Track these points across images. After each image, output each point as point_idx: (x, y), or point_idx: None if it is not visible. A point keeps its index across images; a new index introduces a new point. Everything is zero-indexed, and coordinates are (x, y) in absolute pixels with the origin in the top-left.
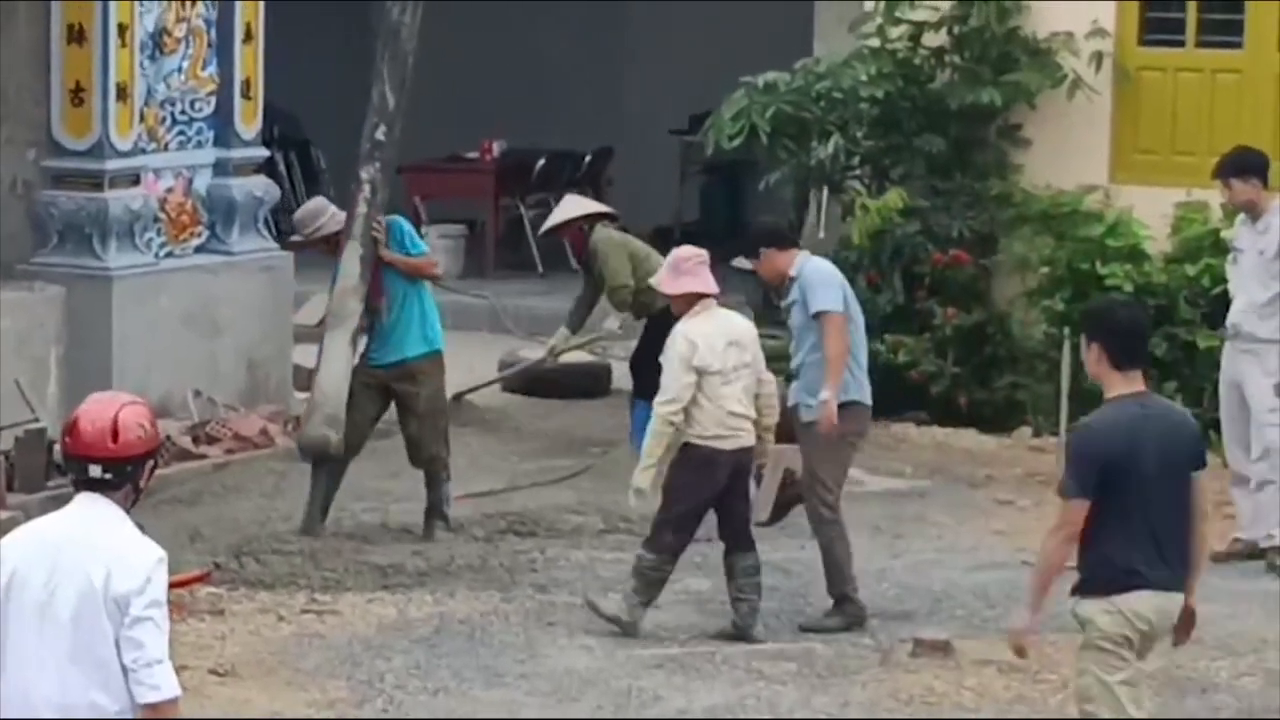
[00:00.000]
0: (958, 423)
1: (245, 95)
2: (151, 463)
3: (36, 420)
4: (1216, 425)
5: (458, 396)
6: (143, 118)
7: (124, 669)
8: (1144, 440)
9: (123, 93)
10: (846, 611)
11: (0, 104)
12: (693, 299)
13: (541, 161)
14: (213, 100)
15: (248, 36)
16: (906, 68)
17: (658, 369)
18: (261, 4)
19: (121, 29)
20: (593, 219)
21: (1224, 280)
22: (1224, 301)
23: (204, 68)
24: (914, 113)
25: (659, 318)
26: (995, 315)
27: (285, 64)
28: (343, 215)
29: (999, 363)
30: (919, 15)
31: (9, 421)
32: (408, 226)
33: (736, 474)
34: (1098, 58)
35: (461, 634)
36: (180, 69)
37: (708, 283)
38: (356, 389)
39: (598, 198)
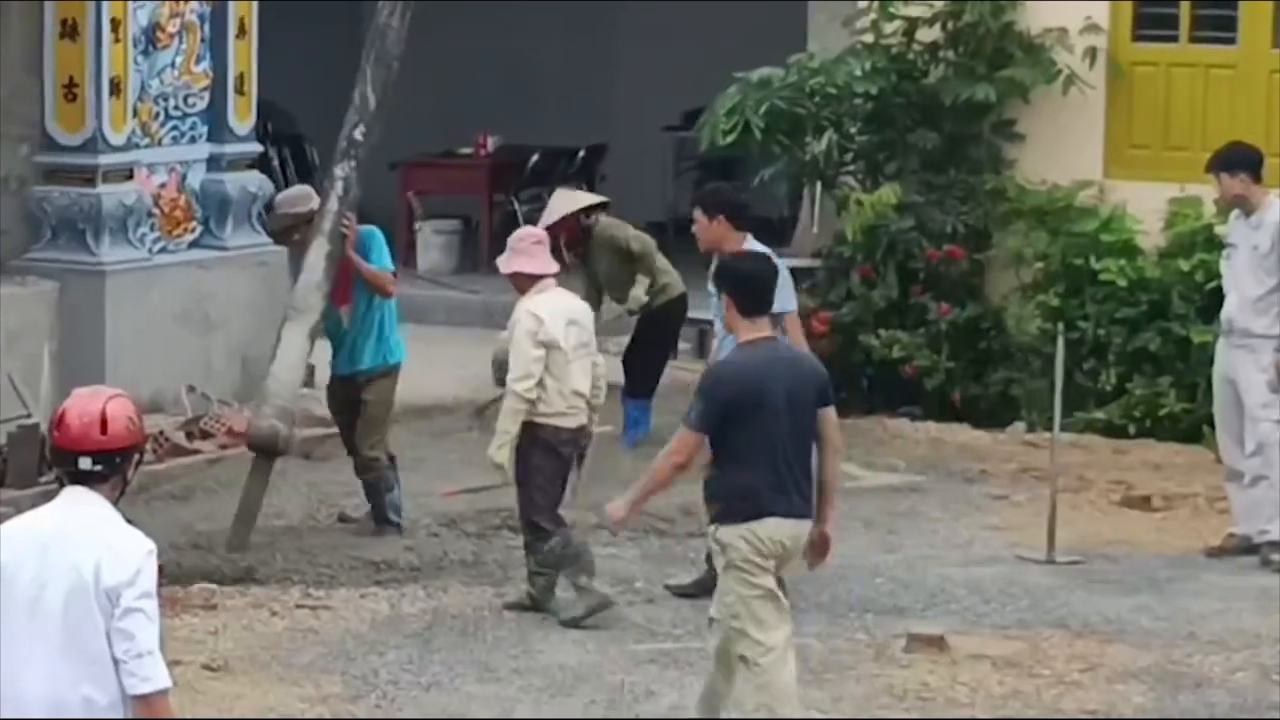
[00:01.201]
0: (952, 418)
1: (239, 90)
2: (138, 456)
3: (29, 415)
4: (1210, 420)
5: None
6: (136, 113)
7: (115, 661)
8: (773, 380)
9: (116, 88)
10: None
11: None
12: (531, 279)
13: (535, 157)
14: (206, 95)
15: (241, 32)
16: (900, 63)
17: (650, 366)
18: (255, 0)
19: (115, 24)
20: (590, 210)
21: (1218, 275)
22: (1218, 297)
23: (197, 63)
24: (908, 108)
25: (654, 314)
26: (989, 310)
27: (280, 59)
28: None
29: (993, 358)
30: (913, 11)
31: (2, 417)
32: (380, 238)
33: (575, 454)
34: (1092, 53)
35: (455, 629)
36: (174, 64)
37: (543, 263)
38: (333, 405)
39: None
